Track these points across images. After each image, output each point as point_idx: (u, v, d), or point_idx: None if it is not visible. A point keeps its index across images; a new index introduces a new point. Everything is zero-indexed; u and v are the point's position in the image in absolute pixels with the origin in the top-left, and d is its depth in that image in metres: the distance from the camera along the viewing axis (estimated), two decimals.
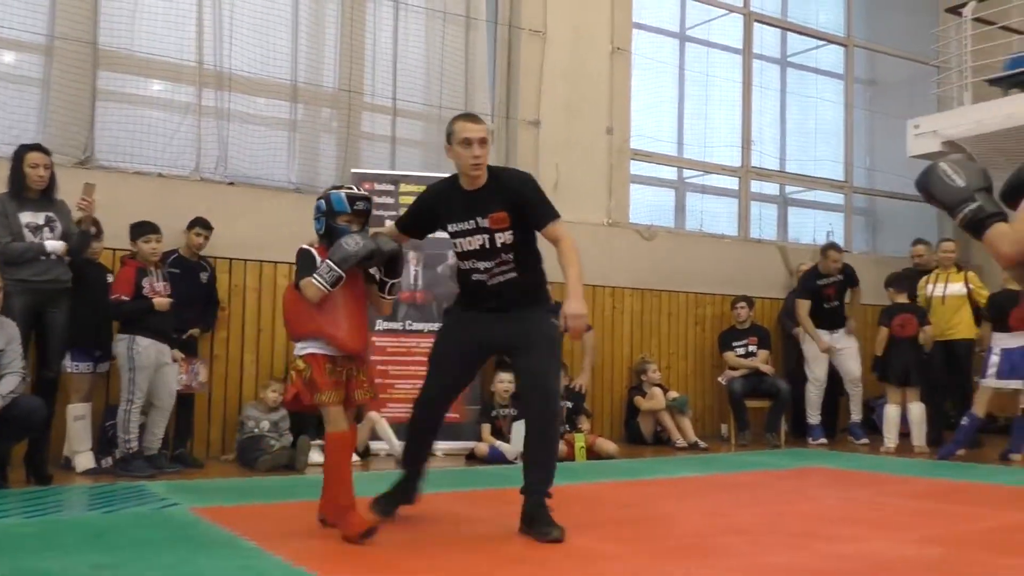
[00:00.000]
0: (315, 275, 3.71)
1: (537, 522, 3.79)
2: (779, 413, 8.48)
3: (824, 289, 8.51)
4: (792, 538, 4.02)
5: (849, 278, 8.66)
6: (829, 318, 8.53)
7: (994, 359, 7.13)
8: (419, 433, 4.18)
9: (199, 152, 7.15)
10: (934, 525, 4.36)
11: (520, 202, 3.89)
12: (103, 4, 6.85)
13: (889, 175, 11.16)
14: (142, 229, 5.98)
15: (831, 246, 8.71)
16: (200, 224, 6.69)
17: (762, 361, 8.69)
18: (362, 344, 3.92)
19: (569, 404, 7.42)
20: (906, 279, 8.35)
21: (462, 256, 4.02)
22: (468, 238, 3.94)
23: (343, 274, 3.70)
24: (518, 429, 6.81)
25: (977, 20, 9.35)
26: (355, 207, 3.84)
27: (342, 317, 3.79)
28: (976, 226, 2.40)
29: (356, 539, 3.64)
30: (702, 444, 7.90)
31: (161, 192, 6.80)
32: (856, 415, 8.58)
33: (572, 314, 3.74)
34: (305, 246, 3.91)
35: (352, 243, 3.71)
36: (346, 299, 3.82)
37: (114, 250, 6.34)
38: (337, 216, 3.83)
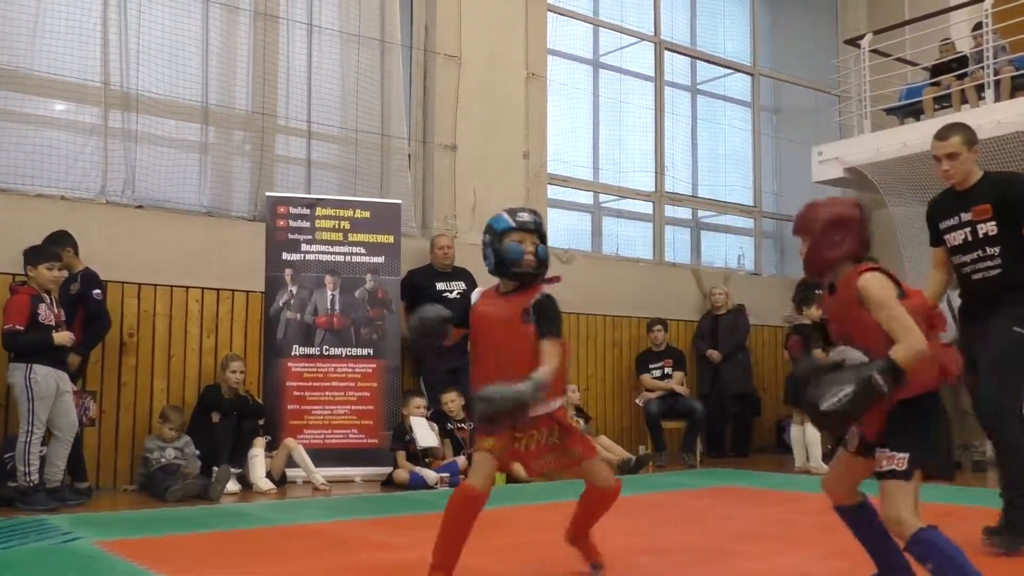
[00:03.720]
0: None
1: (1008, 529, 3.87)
2: (695, 433, 8.63)
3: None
4: (707, 555, 4.09)
5: None
6: None
7: None
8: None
9: (105, 174, 6.95)
10: (840, 540, 4.43)
11: (1008, 197, 3.99)
12: (1, 22, 6.62)
13: (796, 200, 11.52)
14: (44, 254, 5.76)
15: None
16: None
17: (677, 383, 8.85)
18: None
19: None
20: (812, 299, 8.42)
21: (952, 252, 4.17)
22: (953, 233, 4.15)
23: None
24: (418, 425, 6.93)
25: (874, 52, 9.78)
26: (517, 218, 3.44)
27: (492, 377, 3.22)
28: None
29: None
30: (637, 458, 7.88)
31: (65, 215, 6.57)
32: None
33: None
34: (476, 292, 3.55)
35: (414, 324, 3.49)
36: (504, 356, 3.30)
37: (13, 275, 6.10)
38: (502, 237, 3.40)
